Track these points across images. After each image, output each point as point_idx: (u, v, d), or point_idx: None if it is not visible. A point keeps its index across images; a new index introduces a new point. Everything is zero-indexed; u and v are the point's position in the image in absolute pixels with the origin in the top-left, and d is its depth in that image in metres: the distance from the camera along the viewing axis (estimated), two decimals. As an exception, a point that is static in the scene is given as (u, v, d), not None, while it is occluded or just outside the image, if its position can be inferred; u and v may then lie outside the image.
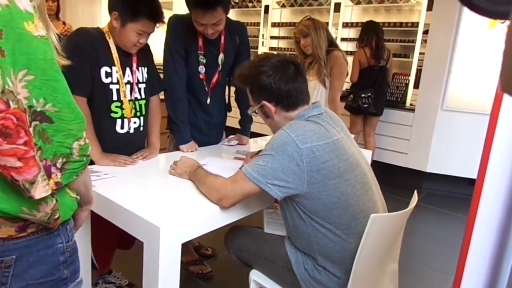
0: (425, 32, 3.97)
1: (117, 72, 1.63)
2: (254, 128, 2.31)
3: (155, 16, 1.58)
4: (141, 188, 1.46)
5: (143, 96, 1.76)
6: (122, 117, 1.69)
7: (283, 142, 1.22)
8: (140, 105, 1.75)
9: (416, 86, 4.16)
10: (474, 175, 0.80)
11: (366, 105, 3.77)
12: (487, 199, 0.77)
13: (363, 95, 3.73)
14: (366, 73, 3.78)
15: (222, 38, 1.95)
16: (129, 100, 1.69)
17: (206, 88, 2.00)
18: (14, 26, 0.61)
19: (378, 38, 3.74)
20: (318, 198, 1.23)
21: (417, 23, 4.19)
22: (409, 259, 2.50)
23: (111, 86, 1.63)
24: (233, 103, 2.21)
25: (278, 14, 5.49)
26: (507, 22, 0.44)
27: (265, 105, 1.36)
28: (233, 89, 2.15)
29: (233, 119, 2.31)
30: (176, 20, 1.94)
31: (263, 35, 5.45)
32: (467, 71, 3.75)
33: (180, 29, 1.89)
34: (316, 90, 2.50)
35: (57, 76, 0.67)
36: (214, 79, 2.01)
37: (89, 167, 0.85)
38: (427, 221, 3.31)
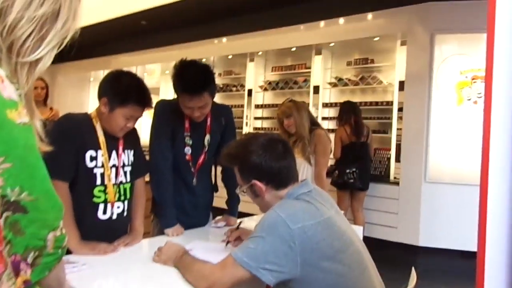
0: (400, 109, 4.19)
1: (102, 155, 1.61)
2: (241, 207, 2.26)
3: (144, 101, 1.62)
4: (122, 279, 1.36)
5: (128, 180, 1.73)
6: (105, 202, 1.63)
7: (274, 223, 1.18)
8: (125, 189, 1.71)
9: (397, 159, 4.27)
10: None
11: (352, 180, 3.80)
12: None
13: (347, 171, 3.79)
14: (349, 149, 3.88)
15: (209, 120, 2.00)
16: (114, 184, 1.65)
17: (192, 169, 1.99)
18: None
19: (356, 116, 3.91)
20: (314, 282, 1.16)
21: (392, 101, 4.45)
22: None
23: (95, 170, 1.60)
24: (220, 183, 2.18)
25: (261, 96, 5.76)
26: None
27: (256, 184, 1.34)
28: (219, 169, 2.14)
29: (219, 199, 2.27)
30: (163, 104, 2.00)
31: (247, 116, 5.65)
32: (444, 144, 3.90)
33: (167, 113, 1.93)
34: (302, 168, 2.52)
35: (36, 162, 0.66)
36: (201, 160, 2.01)
37: (65, 257, 0.79)
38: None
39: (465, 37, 3.80)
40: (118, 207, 1.68)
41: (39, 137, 0.72)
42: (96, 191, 1.61)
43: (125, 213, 1.71)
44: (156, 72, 7.57)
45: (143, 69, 7.46)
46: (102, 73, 8.22)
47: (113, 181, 1.64)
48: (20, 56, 0.68)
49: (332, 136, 3.77)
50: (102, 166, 1.62)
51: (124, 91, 1.57)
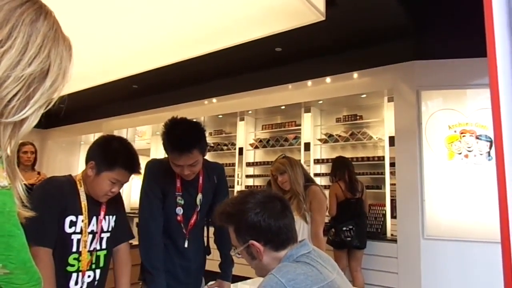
0: (392, 164, 4.19)
1: (82, 221, 1.53)
2: (235, 270, 2.13)
3: (131, 167, 1.60)
4: None
5: (103, 247, 1.63)
6: (78, 271, 1.52)
7: (274, 289, 1.08)
8: (98, 256, 1.60)
9: (393, 215, 4.19)
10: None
11: (349, 238, 3.68)
12: None
13: (344, 228, 3.68)
14: (344, 206, 3.79)
15: (201, 178, 1.94)
16: (88, 251, 1.55)
17: (184, 231, 1.89)
18: None
19: (350, 172, 3.88)
20: None
21: (383, 156, 4.46)
22: None
23: (73, 236, 1.51)
24: (212, 245, 2.07)
25: (252, 154, 5.76)
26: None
27: (253, 245, 1.25)
28: (211, 230, 2.04)
29: (212, 262, 2.14)
30: (153, 163, 1.94)
31: (238, 174, 5.59)
32: (439, 199, 3.85)
33: (158, 172, 1.88)
34: (298, 226, 2.42)
35: (14, 230, 0.59)
36: (193, 220, 1.92)
37: None
38: None
39: (449, 92, 3.92)
40: (89, 276, 1.56)
41: (20, 202, 0.65)
42: (70, 259, 1.51)
43: (95, 283, 1.59)
44: (147, 133, 7.60)
45: (134, 131, 7.50)
46: (92, 137, 8.22)
47: (88, 247, 1.55)
48: (3, 116, 0.63)
49: (326, 192, 3.71)
50: (80, 232, 1.53)
51: (112, 155, 1.56)
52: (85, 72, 4.59)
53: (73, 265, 1.51)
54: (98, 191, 1.56)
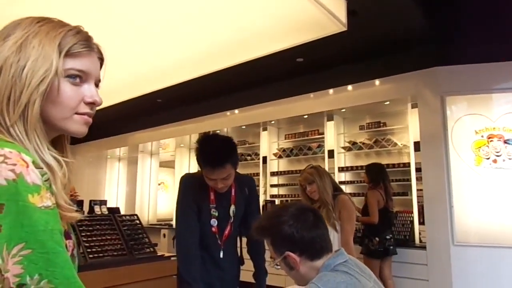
0: (418, 169, 4.15)
1: None
2: (268, 280, 2.17)
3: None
4: None
5: None
6: None
7: (316, 297, 1.13)
8: None
9: (421, 222, 4.14)
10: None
11: (392, 247, 3.68)
12: None
13: (388, 237, 3.66)
14: (385, 214, 3.78)
15: (233, 190, 2.01)
16: None
17: (219, 242, 1.96)
18: (18, 199, 0.60)
19: (388, 180, 3.88)
20: None
21: (408, 163, 4.43)
22: None
23: None
24: (245, 256, 2.13)
25: (276, 164, 5.80)
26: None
27: (289, 256, 1.30)
28: (244, 240, 2.10)
29: (244, 272, 2.19)
30: (187, 178, 2.02)
31: (263, 184, 5.65)
32: (468, 205, 3.79)
33: (192, 186, 1.95)
34: (329, 235, 2.44)
35: (56, 248, 0.62)
36: (227, 231, 1.98)
37: None
38: None
39: (474, 97, 3.88)
40: None
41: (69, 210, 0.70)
42: None
43: None
44: (170, 146, 7.76)
45: (158, 144, 7.67)
46: (118, 151, 8.45)
47: None
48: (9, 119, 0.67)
49: (354, 200, 3.71)
50: None
51: None
52: (110, 89, 4.76)
53: None
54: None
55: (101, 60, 0.79)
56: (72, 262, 0.67)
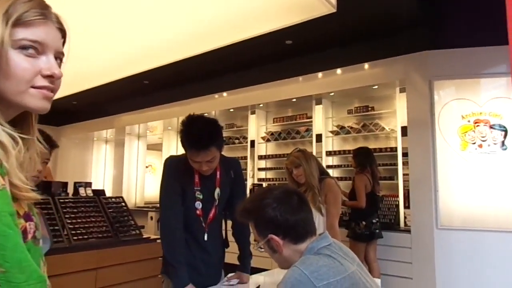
0: (404, 154, 4.18)
1: None
2: (253, 262, 2.18)
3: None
4: None
5: None
6: None
7: (298, 281, 1.12)
8: None
9: (406, 206, 4.19)
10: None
11: (377, 230, 3.73)
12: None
13: (374, 221, 3.70)
14: (371, 198, 3.81)
15: (218, 173, 1.98)
16: None
17: (203, 224, 1.94)
18: None
19: (375, 164, 3.90)
20: None
21: (395, 147, 4.45)
22: None
23: None
24: (230, 238, 2.12)
25: (264, 147, 5.79)
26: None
27: (272, 239, 1.29)
28: (229, 223, 2.09)
29: (230, 254, 2.19)
30: (171, 160, 1.99)
31: (251, 167, 5.64)
32: (453, 189, 3.84)
33: (176, 168, 1.92)
34: (314, 218, 2.45)
35: (6, 230, 0.59)
36: (211, 214, 1.96)
37: None
38: None
39: (463, 82, 3.89)
40: None
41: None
42: None
43: None
44: (158, 128, 7.68)
45: (145, 126, 7.58)
46: (105, 133, 8.33)
47: None
48: None
49: (340, 183, 3.73)
50: None
51: None
52: (96, 70, 4.65)
53: None
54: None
55: (62, 31, 0.73)
56: (34, 245, 0.64)
